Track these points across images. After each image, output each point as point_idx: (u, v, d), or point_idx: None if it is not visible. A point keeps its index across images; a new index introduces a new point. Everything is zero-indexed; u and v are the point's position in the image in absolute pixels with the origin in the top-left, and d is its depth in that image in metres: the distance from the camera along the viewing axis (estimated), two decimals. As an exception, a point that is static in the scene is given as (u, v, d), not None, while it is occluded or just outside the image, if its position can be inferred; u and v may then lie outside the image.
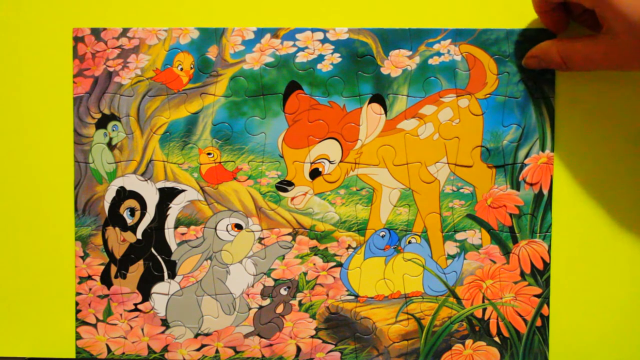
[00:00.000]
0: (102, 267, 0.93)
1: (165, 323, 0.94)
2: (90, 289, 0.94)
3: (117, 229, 0.93)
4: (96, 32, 0.92)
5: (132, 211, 0.93)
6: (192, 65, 0.92)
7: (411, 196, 0.92)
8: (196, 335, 0.93)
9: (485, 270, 0.92)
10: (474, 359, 0.93)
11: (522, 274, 0.92)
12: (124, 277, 0.93)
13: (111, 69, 0.92)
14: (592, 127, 0.92)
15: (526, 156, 0.91)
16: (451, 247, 0.92)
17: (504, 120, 0.91)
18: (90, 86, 0.92)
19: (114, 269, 0.93)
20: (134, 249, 0.93)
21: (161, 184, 0.93)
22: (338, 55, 0.91)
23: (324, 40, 0.91)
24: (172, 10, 0.92)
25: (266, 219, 0.93)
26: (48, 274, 0.95)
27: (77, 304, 0.94)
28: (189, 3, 0.93)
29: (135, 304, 0.93)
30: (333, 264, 0.93)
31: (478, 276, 0.92)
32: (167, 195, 0.93)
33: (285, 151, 0.92)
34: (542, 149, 0.91)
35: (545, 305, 0.92)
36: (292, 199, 0.92)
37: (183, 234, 0.93)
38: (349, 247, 0.92)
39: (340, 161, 0.92)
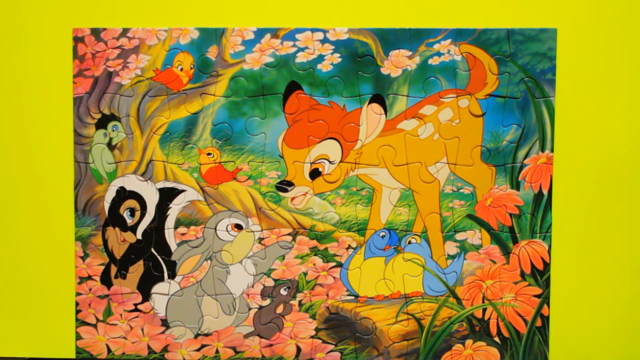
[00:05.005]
0: (102, 267, 0.93)
1: (165, 323, 0.94)
2: (90, 289, 0.94)
3: (117, 229, 0.93)
4: (96, 32, 0.92)
5: (132, 211, 0.93)
6: (192, 66, 0.91)
7: (411, 196, 0.92)
8: (196, 336, 0.93)
9: (485, 270, 0.92)
10: (474, 359, 0.93)
11: (522, 274, 0.92)
12: (124, 277, 0.93)
13: (111, 69, 0.92)
14: (592, 127, 0.92)
15: (526, 156, 0.91)
16: (451, 247, 0.92)
17: (504, 121, 0.91)
18: (90, 86, 0.92)
19: (114, 269, 0.93)
20: (134, 249, 0.93)
21: (161, 184, 0.93)
22: (338, 55, 0.91)
23: (324, 40, 0.91)
24: (172, 10, 0.92)
25: (266, 219, 0.93)
26: (48, 274, 0.95)
27: (77, 304, 0.94)
28: (189, 3, 0.92)
29: (135, 304, 0.93)
30: (333, 264, 0.93)
31: (478, 276, 0.92)
32: (167, 195, 0.93)
33: (285, 151, 0.92)
34: (542, 149, 0.91)
35: (545, 306, 0.92)
36: (292, 199, 0.92)
37: (183, 234, 0.93)
38: (349, 247, 0.92)
39: (340, 161, 0.92)
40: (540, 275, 0.92)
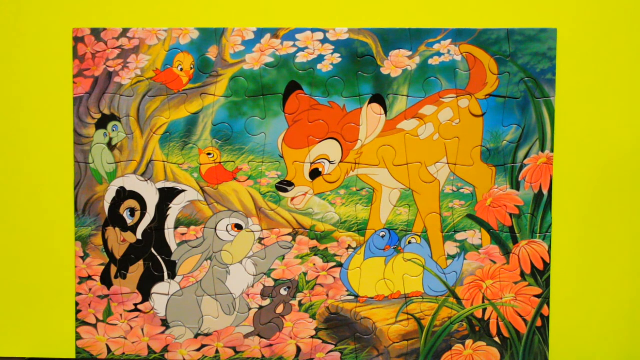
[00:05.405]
0: (102, 268, 0.93)
1: (165, 323, 0.94)
2: (90, 289, 0.94)
3: (117, 229, 0.93)
4: (96, 33, 0.92)
5: (132, 211, 0.93)
6: (192, 66, 0.91)
7: (411, 196, 0.92)
8: (196, 336, 0.93)
9: (485, 270, 0.92)
10: (474, 359, 0.93)
11: (522, 274, 0.92)
12: (124, 277, 0.93)
13: (111, 69, 0.92)
14: (592, 127, 0.92)
15: (526, 156, 0.91)
16: (451, 248, 0.92)
17: (504, 121, 0.91)
18: (90, 86, 0.92)
19: (114, 269, 0.93)
20: (134, 249, 0.93)
21: (161, 184, 0.93)
22: (338, 55, 0.91)
23: (324, 41, 0.91)
24: (172, 10, 0.92)
25: (266, 219, 0.93)
26: (48, 274, 0.95)
27: (77, 304, 0.94)
28: (189, 3, 0.92)
29: (135, 304, 0.93)
30: (333, 264, 0.93)
31: (478, 276, 0.92)
32: (167, 195, 0.93)
33: (285, 151, 0.92)
34: (542, 149, 0.91)
35: (545, 306, 0.92)
36: (292, 199, 0.92)
37: (183, 234, 0.93)
38: (349, 247, 0.92)
39: (340, 161, 0.91)
40: (540, 275, 0.92)
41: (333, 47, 0.91)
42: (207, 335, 0.93)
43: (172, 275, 0.93)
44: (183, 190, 0.92)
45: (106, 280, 0.93)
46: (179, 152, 0.92)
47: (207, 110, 0.92)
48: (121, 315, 0.94)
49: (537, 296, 0.92)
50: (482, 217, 0.92)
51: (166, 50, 0.91)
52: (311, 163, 0.91)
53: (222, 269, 0.93)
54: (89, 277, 0.93)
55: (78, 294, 0.94)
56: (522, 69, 0.90)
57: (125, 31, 0.92)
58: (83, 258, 0.93)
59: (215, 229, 0.93)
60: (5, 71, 0.94)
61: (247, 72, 0.91)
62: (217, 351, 0.94)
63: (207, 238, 0.93)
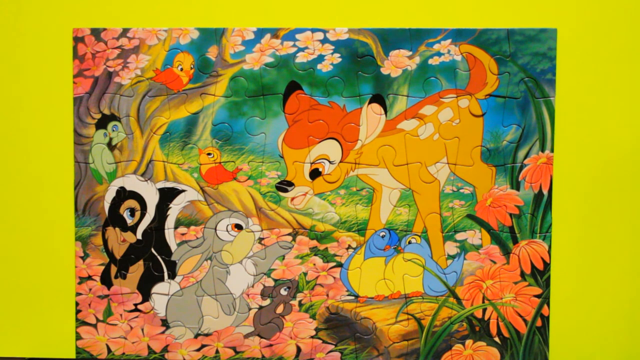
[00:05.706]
0: (102, 268, 0.93)
1: (165, 323, 0.94)
2: (90, 289, 0.94)
3: (117, 229, 0.93)
4: (96, 33, 0.92)
5: (132, 211, 0.93)
6: (192, 66, 0.91)
7: (411, 196, 0.92)
8: (196, 336, 0.93)
9: (485, 270, 0.92)
10: (474, 359, 0.93)
11: (522, 274, 0.92)
12: (124, 277, 0.93)
13: (111, 69, 0.92)
14: (592, 127, 0.92)
15: (526, 156, 0.91)
16: (451, 248, 0.92)
17: (504, 121, 0.91)
18: (90, 86, 0.92)
19: (114, 269, 0.93)
20: (134, 249, 0.93)
21: (161, 184, 0.93)
22: (338, 55, 0.91)
23: (324, 41, 0.91)
24: (172, 10, 0.92)
25: (266, 219, 0.93)
26: (48, 274, 0.95)
27: (77, 304, 0.94)
28: (189, 3, 0.92)
29: (135, 304, 0.93)
30: (333, 264, 0.93)
31: (478, 276, 0.92)
32: (167, 195, 0.93)
33: (285, 151, 0.92)
34: (542, 149, 0.91)
35: (545, 306, 0.92)
36: (292, 199, 0.92)
37: (183, 234, 0.93)
38: (349, 247, 0.92)
39: (340, 161, 0.91)
40: (540, 275, 0.92)
41: (333, 47, 0.91)
42: (207, 335, 0.93)
43: (172, 275, 0.93)
44: (183, 190, 0.92)
45: (106, 280, 0.93)
46: (179, 152, 0.92)
47: (207, 110, 0.92)
48: (121, 315, 0.94)
49: (537, 296, 0.92)
50: (482, 217, 0.92)
51: (166, 50, 0.91)
52: (311, 163, 0.91)
53: (222, 269, 0.93)
54: (89, 277, 0.93)
55: (78, 294, 0.94)
56: (522, 69, 0.90)
57: (125, 31, 0.92)
58: (83, 258, 0.93)
59: (215, 229, 0.93)
60: (5, 71, 0.94)
61: (247, 72, 0.91)
62: (217, 351, 0.94)
63: (207, 238, 0.93)
